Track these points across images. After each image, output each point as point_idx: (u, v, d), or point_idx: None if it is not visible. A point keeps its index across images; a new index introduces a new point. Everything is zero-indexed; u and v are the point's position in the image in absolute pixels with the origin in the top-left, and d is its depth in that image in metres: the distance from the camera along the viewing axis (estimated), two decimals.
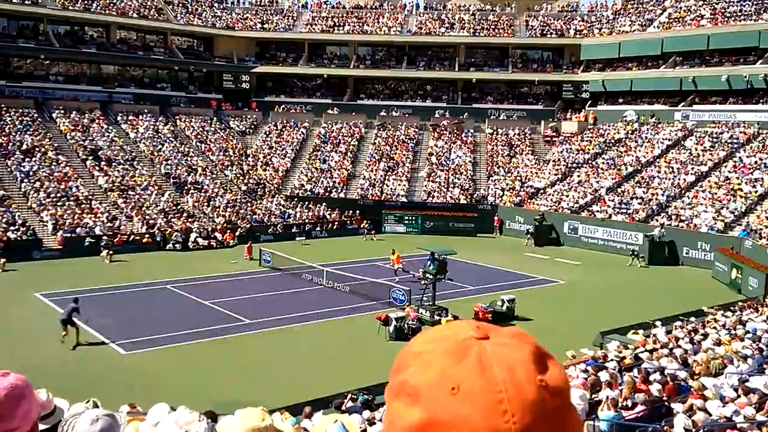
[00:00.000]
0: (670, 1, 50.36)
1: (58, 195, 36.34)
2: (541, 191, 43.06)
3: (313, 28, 55.42)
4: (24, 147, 38.99)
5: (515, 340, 0.84)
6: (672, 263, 33.76)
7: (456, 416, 0.77)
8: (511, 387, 0.79)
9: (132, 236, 34.72)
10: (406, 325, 21.31)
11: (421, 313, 22.56)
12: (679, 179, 39.04)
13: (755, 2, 44.08)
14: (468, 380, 0.79)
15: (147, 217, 36.57)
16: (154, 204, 38.11)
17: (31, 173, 37.33)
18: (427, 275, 23.67)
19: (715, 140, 41.17)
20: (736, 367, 14.72)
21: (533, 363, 0.81)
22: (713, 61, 44.83)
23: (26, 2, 45.14)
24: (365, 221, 41.30)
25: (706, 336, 18.32)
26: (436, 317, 22.87)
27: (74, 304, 19.70)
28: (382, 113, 52.62)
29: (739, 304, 23.07)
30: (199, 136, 47.33)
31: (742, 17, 43.66)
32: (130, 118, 46.28)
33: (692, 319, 20.53)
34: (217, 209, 39.64)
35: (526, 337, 0.86)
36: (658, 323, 19.66)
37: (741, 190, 35.74)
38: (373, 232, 40.38)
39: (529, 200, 42.54)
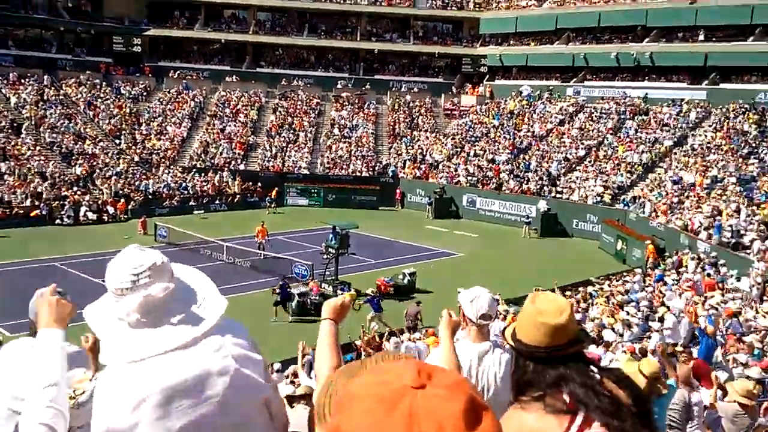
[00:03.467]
0: None
1: None
2: (441, 164, 43.79)
3: None
4: None
5: (450, 391, 0.82)
6: (563, 235, 35.33)
7: None
8: None
9: (15, 209, 32.67)
10: (308, 300, 21.30)
11: (324, 288, 22.59)
12: (569, 153, 40.70)
13: None
14: None
15: (32, 188, 34.46)
16: (39, 174, 35.93)
17: None
18: (329, 249, 23.68)
19: (603, 114, 43.10)
20: (621, 335, 15.73)
21: (464, 418, 0.80)
22: (604, 38, 46.70)
23: None
24: (272, 192, 40.18)
25: (590, 305, 19.43)
26: (339, 292, 22.95)
27: None
28: (283, 82, 51.65)
29: (623, 274, 24.56)
30: (87, 102, 44.81)
31: None
32: (12, 81, 43.21)
33: (581, 289, 21.68)
34: (108, 180, 37.86)
35: (462, 387, 0.85)
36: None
37: (626, 162, 37.70)
38: (274, 205, 39.82)
39: (429, 173, 43.17)
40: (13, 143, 37.76)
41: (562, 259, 29.69)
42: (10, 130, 38.73)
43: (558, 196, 37.34)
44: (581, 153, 40.38)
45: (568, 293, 21.28)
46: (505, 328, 2.09)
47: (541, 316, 1.90)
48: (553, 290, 18.21)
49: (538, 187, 38.37)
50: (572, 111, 44.85)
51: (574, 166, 39.69)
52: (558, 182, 38.54)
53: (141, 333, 1.84)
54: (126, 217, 35.30)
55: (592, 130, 42.12)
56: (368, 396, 0.82)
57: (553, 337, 1.88)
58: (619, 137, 40.49)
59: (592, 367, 1.87)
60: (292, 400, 5.67)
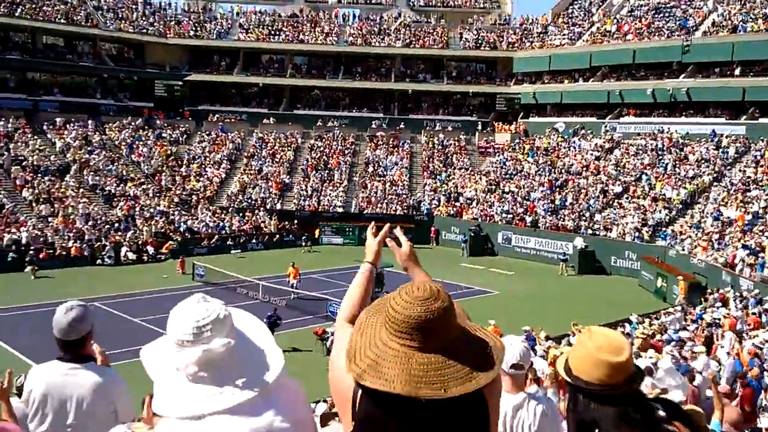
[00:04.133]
0: (598, 15, 52.07)
1: None
2: (476, 201, 43.74)
3: (249, 36, 54.83)
4: None
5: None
6: (601, 272, 34.79)
7: None
8: None
9: (59, 251, 33.51)
10: None
11: None
12: (606, 189, 40.30)
13: (678, 19, 46.02)
14: None
15: (75, 230, 35.35)
16: (83, 216, 36.88)
17: None
18: None
19: (640, 150, 42.69)
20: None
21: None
22: (639, 75, 46.52)
23: None
24: (316, 230, 40.58)
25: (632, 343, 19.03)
26: None
27: None
28: (319, 123, 52.48)
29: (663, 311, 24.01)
30: (129, 145, 46.09)
31: (666, 33, 45.48)
32: (57, 126, 44.74)
33: (620, 328, 21.26)
34: (148, 221, 38.66)
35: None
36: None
37: (665, 198, 37.16)
38: (309, 243, 40.12)
39: (464, 210, 43.13)
40: (57, 186, 38.90)
41: (600, 297, 29.19)
42: (55, 174, 39.93)
43: (595, 233, 36.90)
44: (618, 189, 39.95)
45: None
46: (554, 361, 2.07)
47: (601, 353, 1.88)
48: (573, 333, 17.96)
49: (575, 223, 38.00)
50: (608, 147, 44.54)
51: (611, 202, 39.26)
52: (595, 219, 38.13)
53: (198, 388, 1.79)
54: (166, 256, 35.90)
55: (629, 166, 41.71)
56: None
57: (613, 375, 1.86)
58: (657, 173, 40.00)
59: (655, 404, 1.86)
60: (327, 418, 5.67)
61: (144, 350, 1.93)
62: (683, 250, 31.79)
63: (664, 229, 34.98)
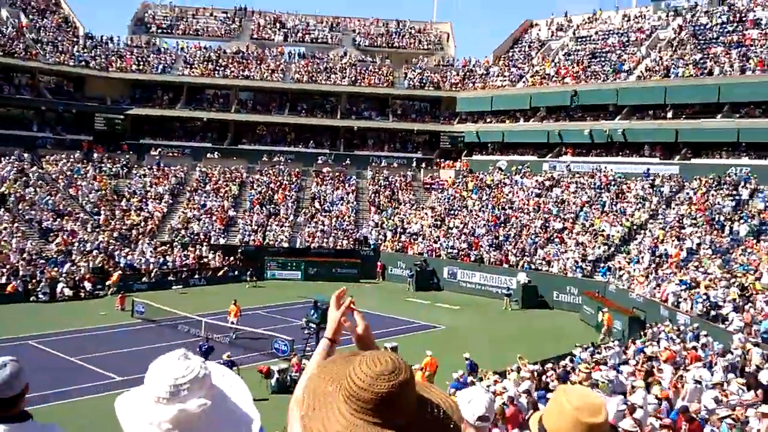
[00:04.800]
0: (537, 58, 53.84)
1: None
2: (421, 236, 44.07)
3: (193, 71, 54.48)
4: None
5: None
6: (544, 307, 35.36)
7: None
8: None
9: None
10: (288, 377, 20.92)
11: (304, 364, 22.21)
12: (547, 225, 41.23)
13: (613, 63, 47.96)
14: None
15: (9, 266, 33.98)
16: (17, 251, 35.51)
17: None
18: (311, 324, 23.45)
19: (579, 188, 43.93)
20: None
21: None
22: (577, 116, 48.11)
23: None
24: (249, 269, 39.99)
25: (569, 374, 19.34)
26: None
27: None
28: (264, 158, 52.24)
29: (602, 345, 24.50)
30: (67, 179, 44.85)
31: (602, 76, 47.30)
32: None
33: (562, 362, 21.55)
34: (87, 256, 37.49)
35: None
36: (531, 366, 20.41)
37: (603, 234, 38.21)
38: (254, 279, 39.57)
39: (409, 245, 43.38)
40: None
41: (544, 331, 29.60)
42: None
43: (537, 268, 37.58)
44: (559, 225, 40.91)
45: (549, 365, 21.17)
46: (528, 418, 2.09)
47: (581, 413, 1.90)
48: (519, 368, 18.19)
49: (518, 259, 38.64)
50: (549, 185, 45.68)
51: (552, 237, 40.13)
52: (537, 254, 38.85)
53: None
54: (112, 290, 34.78)
55: (569, 203, 42.83)
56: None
57: None
58: (596, 210, 41.17)
59: None
60: None
61: (119, 400, 1.85)
62: (622, 285, 32.64)
63: (603, 264, 35.90)
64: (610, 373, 19.27)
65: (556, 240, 39.76)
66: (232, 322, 27.31)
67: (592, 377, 17.18)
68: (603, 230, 38.71)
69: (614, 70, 47.16)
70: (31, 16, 53.67)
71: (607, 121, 45.73)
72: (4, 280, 33.07)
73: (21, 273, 33.77)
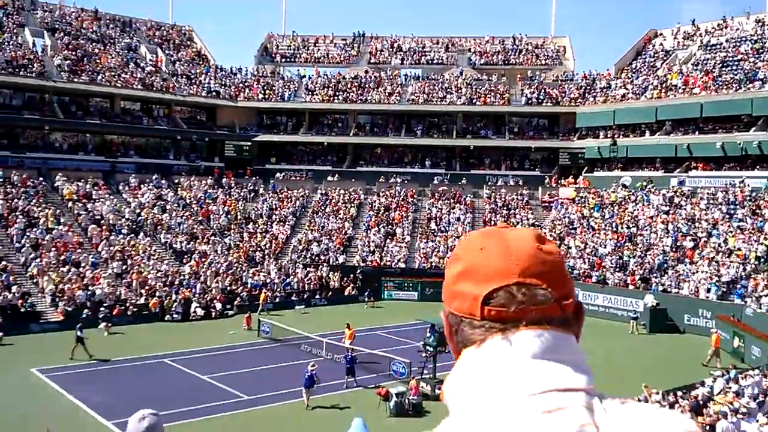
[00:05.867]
0: (663, 69, 51.56)
1: (58, 262, 36.38)
2: None
3: (314, 98, 56.53)
4: (26, 215, 39.22)
5: (527, 230, 1.21)
6: (674, 331, 33.55)
7: (481, 263, 1.14)
8: (517, 247, 1.15)
9: (130, 307, 34.60)
10: (407, 401, 21.07)
11: (422, 387, 22.32)
12: (677, 243, 39.17)
13: (746, 71, 45.12)
14: (491, 245, 1.16)
15: (147, 286, 36.50)
16: (155, 272, 38.09)
17: (32, 240, 37.39)
18: (428, 347, 23.54)
19: (711, 204, 41.48)
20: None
21: (535, 238, 1.18)
22: (707, 129, 45.56)
23: (31, 75, 46.12)
24: (367, 290, 40.72)
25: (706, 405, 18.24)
26: (437, 391, 22.62)
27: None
28: (381, 179, 53.18)
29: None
30: (200, 204, 47.70)
31: (734, 86, 44.59)
32: (132, 186, 46.74)
33: (694, 392, 20.34)
34: (217, 276, 39.59)
35: (535, 229, 1.24)
36: (656, 396, 19.45)
37: (739, 254, 35.80)
38: (372, 299, 40.22)
39: None
40: (131, 244, 40.41)
41: (674, 357, 28.10)
42: (130, 233, 41.55)
43: (666, 289, 35.76)
44: (689, 244, 38.77)
45: (680, 393, 20.10)
46: None
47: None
48: (645, 398, 17.33)
49: (645, 280, 36.94)
50: (677, 201, 43.45)
51: (681, 257, 38.08)
52: (666, 275, 36.99)
53: None
54: (232, 312, 36.59)
55: (700, 221, 40.52)
56: (474, 233, 1.22)
57: None
58: (729, 227, 38.70)
59: None
60: None
61: None
62: (760, 308, 30.43)
63: (738, 286, 33.63)
64: (751, 404, 18.10)
65: (687, 260, 37.70)
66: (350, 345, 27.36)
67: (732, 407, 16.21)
68: (738, 249, 36.29)
69: (748, 79, 44.31)
70: (167, 52, 57.78)
71: (741, 133, 42.95)
72: (142, 300, 35.51)
73: (157, 293, 36.13)
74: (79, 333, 26.35)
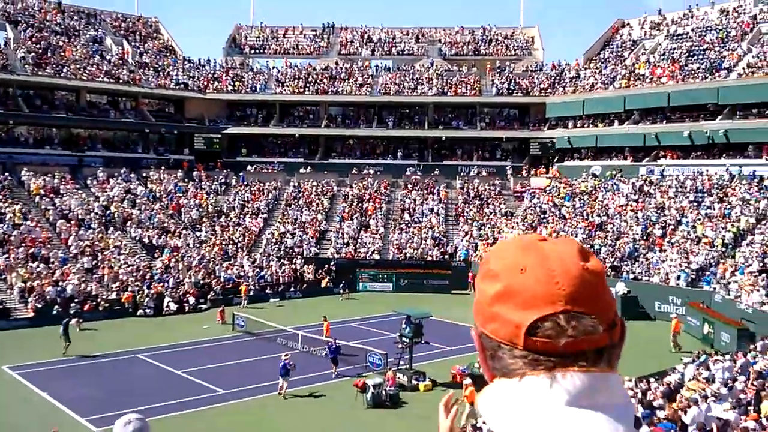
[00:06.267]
0: (631, 59, 52.18)
1: (27, 258, 35.70)
2: None
3: (284, 89, 56.10)
4: None
5: (566, 241, 1.15)
6: (645, 318, 34.08)
7: (523, 285, 1.07)
8: (562, 268, 1.08)
9: (101, 302, 34.09)
10: (383, 392, 21.11)
11: (399, 378, 22.39)
12: (646, 232, 39.76)
13: (712, 60, 45.86)
14: (532, 264, 1.08)
15: (119, 282, 35.98)
16: (126, 266, 37.55)
17: None
18: (404, 339, 23.59)
19: (679, 192, 42.16)
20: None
21: (578, 255, 1.11)
22: (674, 117, 46.26)
23: None
24: (342, 281, 40.61)
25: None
26: (414, 382, 22.73)
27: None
28: (354, 171, 53.06)
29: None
30: (170, 198, 47.11)
31: (700, 75, 45.30)
32: (100, 180, 45.98)
33: (667, 379, 20.68)
34: (190, 270, 39.17)
35: (573, 240, 1.17)
36: (628, 383, 19.72)
37: (707, 240, 36.46)
38: (347, 291, 40.18)
39: None
40: (100, 237, 39.79)
41: (645, 343, 28.52)
42: (99, 227, 40.89)
43: (637, 277, 36.30)
44: (658, 232, 39.39)
45: (652, 380, 20.43)
46: None
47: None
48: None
49: (616, 268, 37.46)
50: (646, 189, 44.09)
51: (652, 245, 38.68)
52: (637, 262, 37.55)
53: None
54: (206, 307, 36.26)
55: (669, 209, 41.18)
56: (507, 248, 1.14)
57: None
58: (698, 215, 39.39)
59: None
60: None
61: None
62: (729, 294, 31.06)
63: (707, 273, 34.28)
64: (721, 389, 18.44)
65: (656, 248, 38.31)
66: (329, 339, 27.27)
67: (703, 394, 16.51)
68: (706, 236, 36.98)
69: (713, 68, 45.07)
70: (133, 44, 56.83)
71: (708, 122, 43.73)
72: (114, 295, 35.01)
73: (130, 288, 35.65)
74: (63, 328, 26.20)
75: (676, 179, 43.59)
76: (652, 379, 20.58)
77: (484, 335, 1.11)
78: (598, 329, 1.06)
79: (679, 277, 34.67)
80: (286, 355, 22.17)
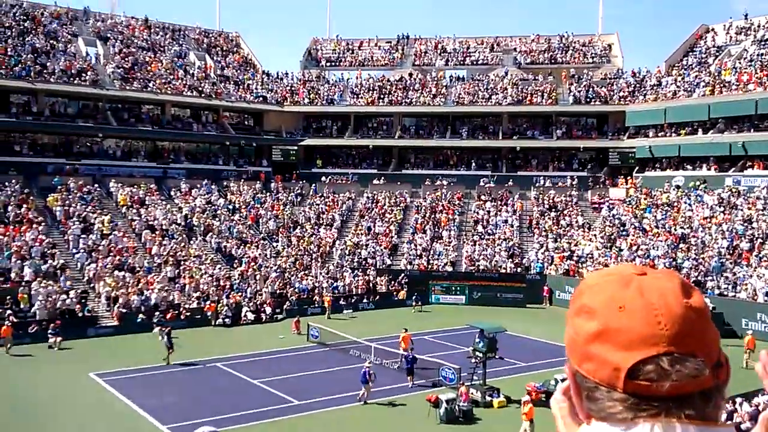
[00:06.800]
0: (715, 66, 50.20)
1: (114, 266, 37.30)
2: (590, 257, 42.44)
3: (358, 101, 56.76)
4: (82, 220, 40.32)
5: (667, 274, 1.09)
6: (732, 336, 32.58)
7: (622, 324, 1.02)
8: (664, 306, 1.02)
9: (183, 311, 35.23)
10: (457, 407, 20.96)
11: (472, 393, 22.18)
12: (732, 245, 38.09)
13: None
14: (632, 301, 1.03)
15: (199, 291, 37.11)
16: (206, 276, 38.69)
17: (88, 245, 38.42)
18: (477, 353, 23.38)
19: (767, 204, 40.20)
20: None
21: (680, 291, 1.05)
22: (762, 126, 44.17)
23: (85, 84, 47.42)
24: (415, 293, 40.61)
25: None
26: (488, 398, 22.47)
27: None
28: (427, 182, 53.06)
29: None
30: (248, 208, 48.34)
31: None
32: (183, 191, 47.64)
33: (756, 400, 19.75)
34: (267, 281, 40.02)
35: (674, 274, 1.10)
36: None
37: None
38: (420, 303, 40.14)
39: (578, 268, 41.92)
40: (183, 246, 41.20)
41: (732, 363, 27.25)
42: (182, 237, 42.35)
43: (723, 293, 34.79)
44: (746, 245, 37.65)
45: (738, 400, 19.55)
46: None
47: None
48: None
49: (699, 283, 36.02)
50: (733, 201, 42.23)
51: (738, 259, 37.01)
52: (723, 277, 36.00)
53: None
54: (281, 317, 36.96)
55: (757, 221, 39.32)
56: (604, 282, 1.08)
57: None
58: None
59: None
60: None
61: None
62: None
63: None
64: None
65: (743, 262, 36.62)
66: (406, 355, 25.88)
67: None
68: None
69: None
70: (215, 58, 58.77)
71: None
72: (195, 304, 36.14)
73: (211, 298, 36.72)
74: (165, 338, 26.91)
75: (764, 190, 41.59)
76: (738, 400, 19.72)
77: (579, 374, 1.07)
78: (704, 371, 1.01)
79: (767, 293, 33.05)
80: (368, 364, 23.18)
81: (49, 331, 30.06)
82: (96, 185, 44.74)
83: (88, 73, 48.18)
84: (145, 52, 54.35)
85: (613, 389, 1.02)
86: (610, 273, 1.12)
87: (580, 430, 1.08)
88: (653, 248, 40.87)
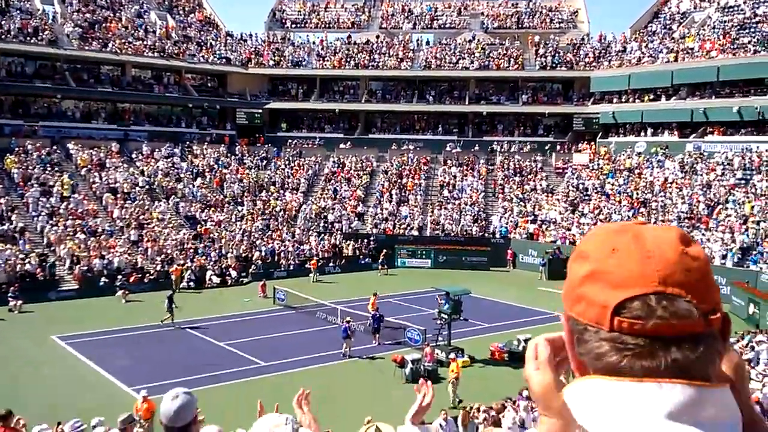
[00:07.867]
0: (680, 32, 50.68)
1: (75, 229, 36.67)
2: (553, 222, 43.05)
3: (325, 64, 56.07)
4: (41, 183, 39.43)
5: (666, 227, 1.08)
6: None
7: (613, 265, 1.02)
8: (658, 250, 1.01)
9: (146, 275, 34.89)
10: (422, 367, 21.27)
11: (437, 354, 22.51)
12: (692, 210, 38.96)
13: (764, 33, 44.27)
14: (626, 245, 1.03)
15: (163, 255, 36.74)
16: (170, 239, 38.29)
17: (48, 208, 37.66)
18: (442, 315, 23.69)
19: (727, 170, 41.11)
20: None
21: (678, 240, 1.03)
22: (724, 93, 44.93)
23: (42, 43, 45.94)
24: (381, 255, 40.77)
25: None
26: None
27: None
28: (393, 146, 52.97)
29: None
30: (212, 172, 47.74)
31: (751, 49, 43.80)
32: (145, 154, 46.79)
33: None
34: (231, 244, 39.77)
35: (675, 227, 1.10)
36: None
37: (754, 217, 35.57)
38: (386, 266, 40.36)
39: (541, 232, 42.52)
40: (146, 208, 40.63)
41: None
42: (144, 201, 41.72)
43: None
44: (704, 210, 38.56)
45: None
46: None
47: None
48: None
49: None
50: (693, 166, 43.06)
51: (696, 224, 37.91)
52: None
53: None
54: (247, 280, 36.85)
55: (716, 186, 40.22)
56: (600, 230, 1.09)
57: None
58: (746, 193, 38.39)
59: None
60: None
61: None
62: None
63: (754, 252, 33.50)
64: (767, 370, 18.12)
65: (702, 226, 37.54)
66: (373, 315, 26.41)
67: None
68: (754, 215, 36.07)
69: (766, 42, 43.49)
70: (177, 17, 57.30)
71: (758, 97, 42.36)
72: (159, 267, 35.79)
73: (174, 261, 36.38)
74: (166, 301, 27.11)
75: (723, 156, 42.49)
76: None
77: (572, 319, 1.07)
78: (693, 313, 0.98)
79: (724, 257, 33.99)
80: (348, 320, 23.81)
81: (9, 295, 29.59)
82: (55, 147, 43.65)
83: (46, 32, 46.64)
84: (104, 10, 52.70)
85: (600, 328, 1.01)
86: (611, 224, 1.12)
87: (575, 383, 1.05)
88: (615, 212, 41.62)
